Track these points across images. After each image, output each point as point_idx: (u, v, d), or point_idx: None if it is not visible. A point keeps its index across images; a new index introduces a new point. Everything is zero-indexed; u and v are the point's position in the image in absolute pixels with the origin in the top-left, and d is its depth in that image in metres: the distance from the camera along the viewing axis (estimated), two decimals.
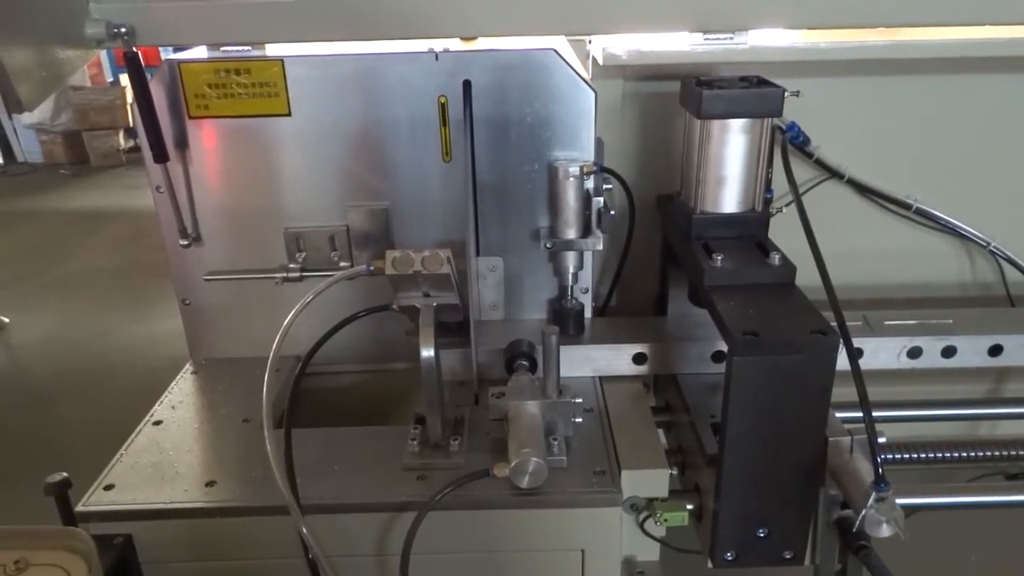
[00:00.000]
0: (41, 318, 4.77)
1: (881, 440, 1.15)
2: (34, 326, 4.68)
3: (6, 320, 4.71)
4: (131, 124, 8.40)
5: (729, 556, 1.27)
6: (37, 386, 4.06)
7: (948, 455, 1.54)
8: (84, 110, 8.14)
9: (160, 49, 1.74)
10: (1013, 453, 1.60)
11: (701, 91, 1.37)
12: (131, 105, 8.15)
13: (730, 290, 1.29)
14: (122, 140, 8.46)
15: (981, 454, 1.55)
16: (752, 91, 1.38)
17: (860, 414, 1.12)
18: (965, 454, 1.55)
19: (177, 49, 1.61)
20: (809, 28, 1.58)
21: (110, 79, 8.50)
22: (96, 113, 8.19)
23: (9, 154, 8.72)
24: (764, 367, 1.13)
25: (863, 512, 1.08)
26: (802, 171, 1.73)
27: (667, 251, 1.66)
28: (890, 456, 1.50)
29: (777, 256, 1.33)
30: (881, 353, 1.56)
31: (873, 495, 1.08)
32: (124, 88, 8.31)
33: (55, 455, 3.34)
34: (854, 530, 1.14)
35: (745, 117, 1.39)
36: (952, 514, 1.81)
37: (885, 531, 1.08)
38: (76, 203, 7.19)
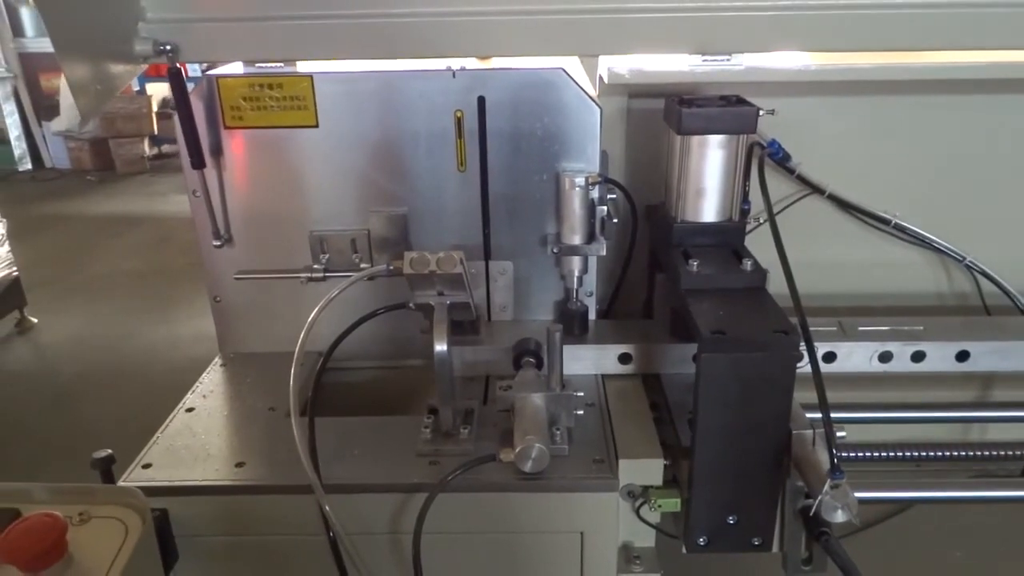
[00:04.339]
0: (67, 319, 4.90)
1: (841, 435, 1.22)
2: (61, 327, 4.81)
3: (34, 320, 4.85)
4: (155, 132, 8.59)
5: (702, 541, 1.34)
6: (63, 384, 4.17)
7: (929, 455, 1.60)
8: (111, 118, 8.32)
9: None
10: (996, 454, 1.65)
11: (681, 109, 1.45)
12: (156, 114, 8.23)
13: (704, 293, 1.38)
14: (147, 148, 8.64)
15: (961, 454, 1.61)
16: (728, 109, 1.46)
17: (836, 413, 1.17)
18: (946, 454, 1.61)
19: (210, 65, 1.73)
20: (799, 51, 1.66)
21: (136, 88, 8.68)
22: (123, 121, 8.38)
23: (38, 160, 8.96)
24: (730, 363, 1.21)
25: (820, 498, 1.14)
26: (785, 185, 1.80)
27: (653, 258, 1.75)
28: (871, 455, 1.58)
29: (750, 262, 1.41)
30: (853, 357, 1.62)
31: (828, 482, 1.13)
32: (150, 97, 8.50)
33: (79, 451, 3.43)
34: (811, 513, 1.20)
35: (722, 133, 1.47)
36: (939, 512, 1.87)
37: (840, 516, 1.13)
38: (102, 208, 7.37)
